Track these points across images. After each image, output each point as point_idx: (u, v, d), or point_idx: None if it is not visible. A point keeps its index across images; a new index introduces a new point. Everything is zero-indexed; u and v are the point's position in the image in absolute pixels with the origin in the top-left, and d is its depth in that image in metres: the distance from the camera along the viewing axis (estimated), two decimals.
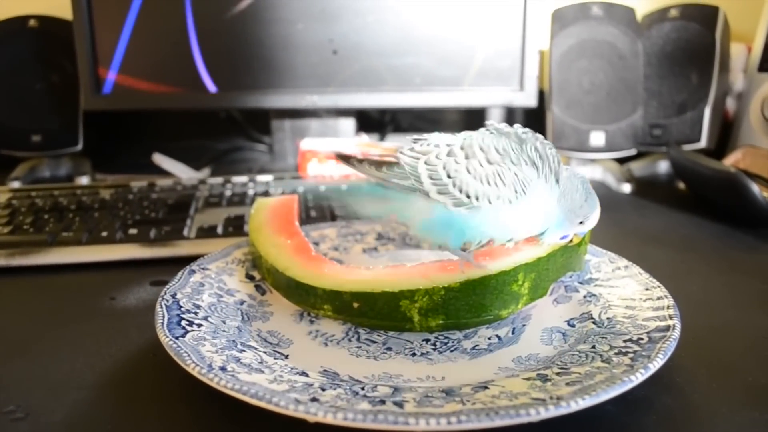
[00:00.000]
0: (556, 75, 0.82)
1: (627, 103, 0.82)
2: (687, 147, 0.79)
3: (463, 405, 0.28)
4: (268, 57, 0.81)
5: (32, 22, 0.83)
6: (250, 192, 0.68)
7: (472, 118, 0.99)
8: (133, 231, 0.56)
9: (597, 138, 0.82)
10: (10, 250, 0.53)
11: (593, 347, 0.35)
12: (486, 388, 0.31)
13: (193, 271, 0.44)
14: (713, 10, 0.80)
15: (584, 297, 0.42)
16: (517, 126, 0.40)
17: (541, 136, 0.39)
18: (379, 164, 0.39)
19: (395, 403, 0.29)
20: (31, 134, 0.83)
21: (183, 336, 0.35)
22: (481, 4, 0.81)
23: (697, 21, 0.80)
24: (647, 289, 0.41)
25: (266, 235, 0.46)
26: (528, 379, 0.32)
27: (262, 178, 0.74)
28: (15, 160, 0.86)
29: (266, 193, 0.68)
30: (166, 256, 0.54)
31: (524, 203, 0.37)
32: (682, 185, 0.81)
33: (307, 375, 0.33)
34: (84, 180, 0.83)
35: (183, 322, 0.36)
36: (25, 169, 0.85)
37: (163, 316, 0.36)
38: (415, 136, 0.41)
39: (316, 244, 0.52)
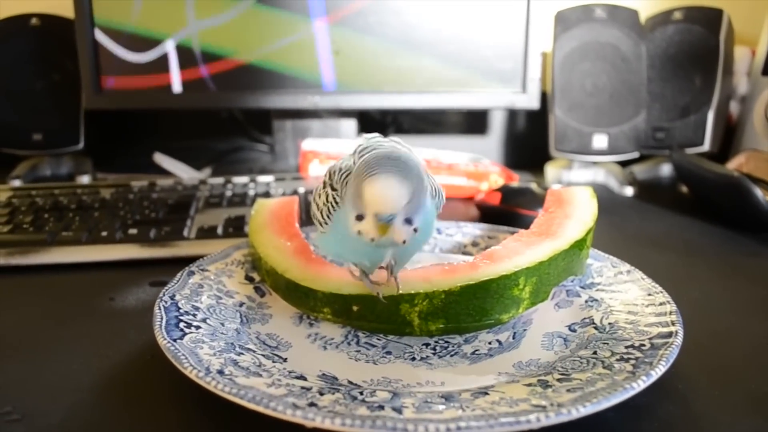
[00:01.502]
0: (558, 77, 0.82)
1: (630, 106, 0.81)
2: (690, 150, 0.79)
3: (463, 411, 0.28)
4: (270, 57, 0.81)
5: (34, 21, 0.83)
6: (251, 192, 0.68)
7: (474, 120, 0.99)
8: (132, 231, 0.56)
9: (600, 141, 0.82)
10: (10, 249, 0.53)
11: (595, 353, 0.35)
12: (486, 393, 0.31)
13: (192, 273, 0.43)
14: (717, 13, 0.80)
15: (586, 302, 0.42)
16: (369, 140, 0.37)
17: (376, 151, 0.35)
18: None
19: (394, 409, 0.29)
20: (32, 133, 0.83)
21: (181, 338, 0.34)
22: (483, 6, 0.81)
23: (701, 24, 0.80)
24: (649, 294, 0.40)
25: (266, 236, 0.46)
26: (528, 384, 0.32)
27: (263, 178, 0.73)
28: (16, 159, 0.86)
29: (267, 194, 0.68)
30: (165, 257, 0.53)
31: (332, 230, 0.36)
32: (684, 189, 0.80)
33: (305, 379, 0.33)
34: (85, 179, 0.83)
35: (181, 324, 0.36)
36: (26, 167, 0.85)
37: (161, 318, 0.36)
38: None
39: (317, 246, 0.51)
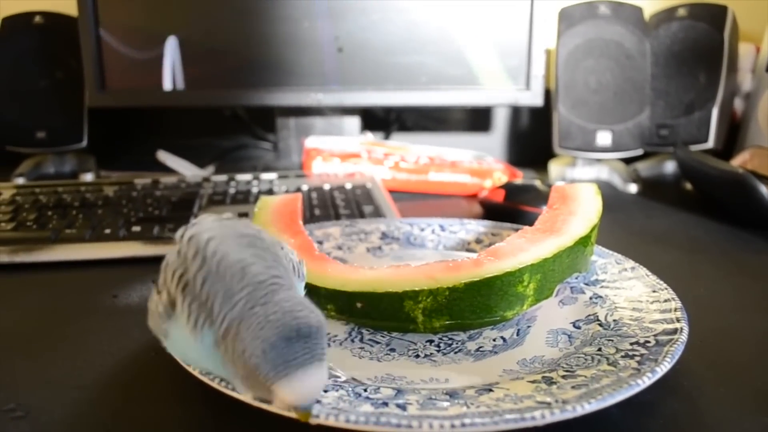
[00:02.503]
0: (562, 74, 0.82)
1: (634, 103, 0.81)
2: (694, 147, 0.79)
3: (467, 408, 0.28)
4: (273, 54, 0.81)
5: (37, 19, 0.83)
6: (255, 190, 0.68)
7: (478, 117, 0.99)
8: (136, 228, 0.56)
9: (603, 138, 0.81)
10: (13, 247, 0.53)
11: (599, 350, 0.34)
12: (490, 390, 0.31)
13: None
14: (722, 10, 0.80)
15: (590, 298, 0.42)
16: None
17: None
18: None
19: (398, 406, 0.28)
20: (35, 131, 0.83)
21: None
22: (487, 3, 0.81)
23: (706, 20, 0.80)
24: (654, 291, 0.40)
25: (270, 233, 0.46)
26: (533, 381, 0.31)
27: (266, 176, 0.73)
28: (20, 157, 0.86)
29: (270, 191, 0.68)
30: None
31: (173, 344, 0.29)
32: (689, 186, 0.80)
33: None
34: (88, 177, 0.83)
35: None
36: (30, 165, 0.85)
37: None
38: None
39: (320, 243, 0.51)
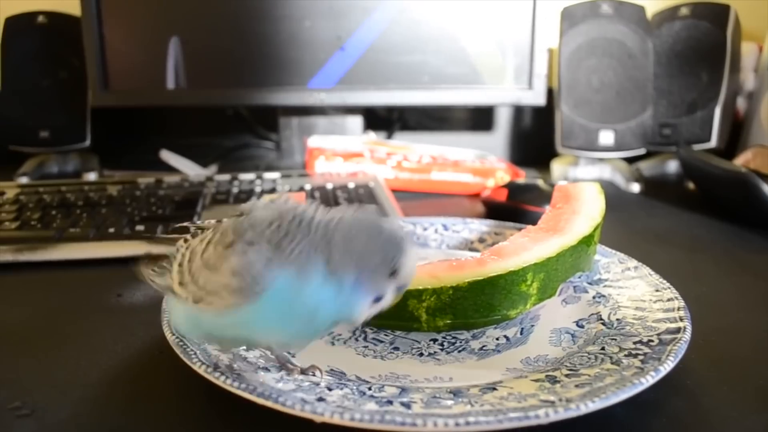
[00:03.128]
0: (565, 73, 0.82)
1: (636, 102, 0.81)
2: (697, 147, 0.79)
3: (471, 406, 0.28)
4: (275, 54, 0.81)
5: (41, 19, 0.84)
6: (258, 189, 0.68)
7: (480, 117, 0.99)
8: (140, 227, 0.56)
9: (606, 137, 0.81)
10: (18, 246, 0.53)
11: (603, 349, 0.35)
12: (494, 389, 0.31)
13: None
14: (724, 9, 0.80)
15: (593, 298, 0.42)
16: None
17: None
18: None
19: (402, 404, 0.29)
20: (39, 130, 0.83)
21: None
22: (490, 2, 0.81)
23: (708, 19, 0.80)
24: (657, 290, 0.40)
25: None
26: (537, 380, 0.32)
27: (269, 175, 0.73)
28: (23, 156, 0.86)
29: (273, 191, 0.68)
30: None
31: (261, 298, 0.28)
32: (691, 185, 0.80)
33: (313, 374, 0.33)
34: (92, 176, 0.83)
35: None
36: (33, 165, 0.85)
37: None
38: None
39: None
